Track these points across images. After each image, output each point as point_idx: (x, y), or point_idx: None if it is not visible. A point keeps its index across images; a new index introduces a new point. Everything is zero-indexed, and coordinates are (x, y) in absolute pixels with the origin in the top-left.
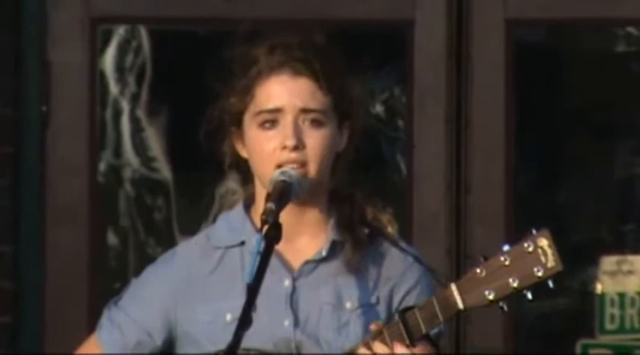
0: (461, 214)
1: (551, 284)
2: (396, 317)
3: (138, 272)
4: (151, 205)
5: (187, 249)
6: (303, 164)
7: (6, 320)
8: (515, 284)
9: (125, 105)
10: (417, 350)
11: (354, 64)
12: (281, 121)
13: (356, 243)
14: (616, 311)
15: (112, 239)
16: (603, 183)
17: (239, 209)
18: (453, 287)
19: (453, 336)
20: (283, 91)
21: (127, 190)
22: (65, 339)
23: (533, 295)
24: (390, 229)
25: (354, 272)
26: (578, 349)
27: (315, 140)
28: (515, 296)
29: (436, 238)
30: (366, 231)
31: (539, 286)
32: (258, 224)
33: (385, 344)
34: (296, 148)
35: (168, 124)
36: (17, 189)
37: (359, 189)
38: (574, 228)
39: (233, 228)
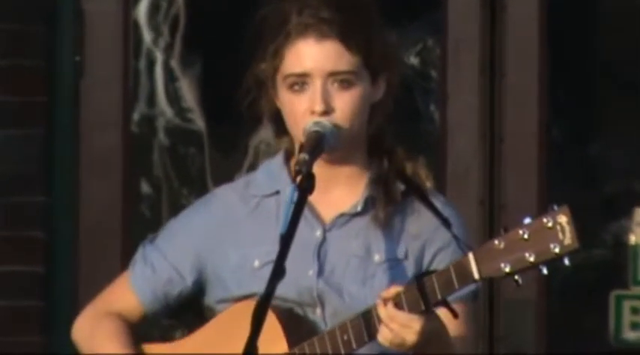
0: (494, 164)
1: (567, 261)
2: (413, 282)
3: (174, 217)
4: (184, 155)
5: (226, 193)
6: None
7: (39, 270)
8: (531, 259)
9: (159, 56)
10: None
11: (388, 15)
12: (310, 85)
13: (388, 199)
14: None
15: (145, 189)
16: (636, 134)
17: (279, 157)
18: (471, 256)
19: (486, 289)
20: (310, 55)
21: (160, 140)
22: (98, 290)
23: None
24: (428, 183)
25: (383, 226)
26: (611, 300)
27: (344, 102)
28: (530, 271)
29: (470, 188)
30: (402, 186)
31: (556, 262)
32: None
33: (401, 308)
34: (325, 113)
35: (202, 74)
36: (51, 139)
37: (399, 144)
38: (607, 179)
39: (271, 176)
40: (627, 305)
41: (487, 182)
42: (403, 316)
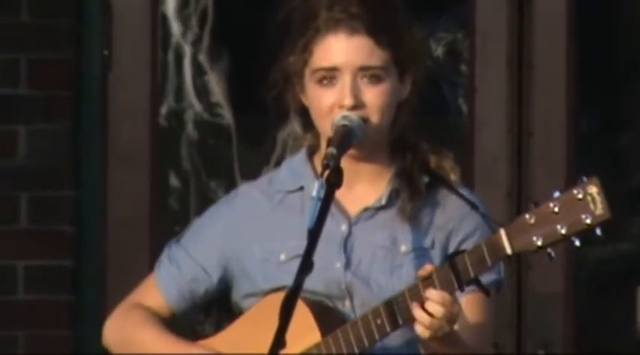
0: (522, 157)
1: (598, 231)
2: (445, 261)
3: (199, 216)
4: (212, 149)
5: (249, 190)
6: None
7: (68, 264)
8: (563, 231)
9: (187, 49)
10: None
11: (416, 8)
12: (339, 79)
13: (413, 192)
14: None
15: (173, 182)
16: None
17: (302, 154)
18: (502, 232)
19: (514, 282)
20: (341, 50)
21: (188, 134)
22: (127, 283)
23: (593, 240)
24: (453, 176)
25: (409, 219)
26: (638, 293)
27: (374, 97)
28: (564, 244)
29: (497, 181)
30: (426, 179)
31: (588, 234)
32: (319, 170)
33: (434, 288)
34: (354, 108)
35: (230, 68)
36: (79, 133)
37: (423, 138)
38: (634, 172)
39: (295, 172)
40: None
41: (515, 174)
42: (447, 297)
